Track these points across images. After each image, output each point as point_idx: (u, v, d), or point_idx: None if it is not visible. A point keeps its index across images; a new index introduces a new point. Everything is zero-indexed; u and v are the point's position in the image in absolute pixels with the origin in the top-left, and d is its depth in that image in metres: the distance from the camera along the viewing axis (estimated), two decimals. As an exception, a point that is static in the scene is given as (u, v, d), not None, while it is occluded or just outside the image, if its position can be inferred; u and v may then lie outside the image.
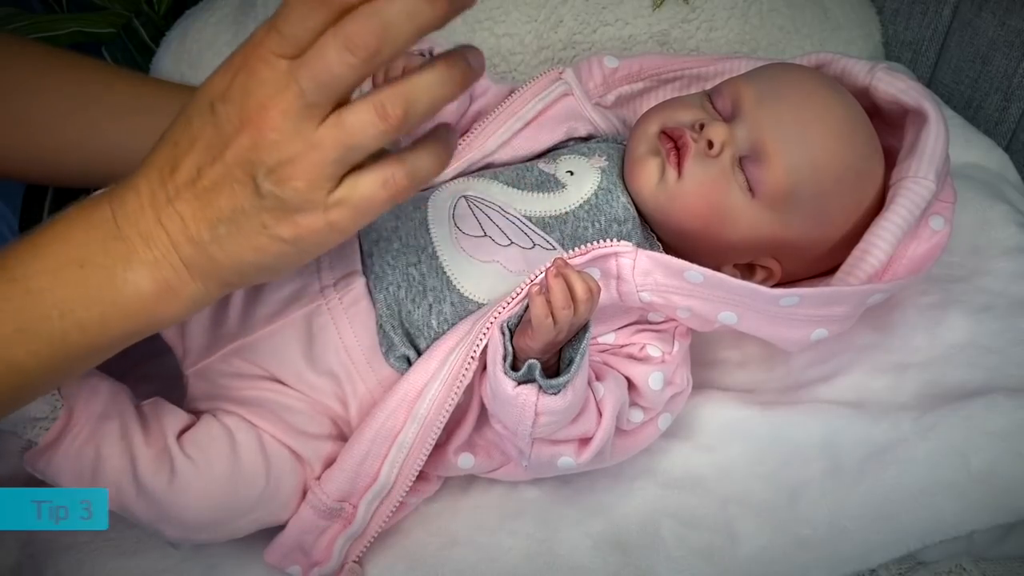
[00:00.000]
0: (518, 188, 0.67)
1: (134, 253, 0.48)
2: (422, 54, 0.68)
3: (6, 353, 0.48)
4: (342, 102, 0.45)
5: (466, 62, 0.47)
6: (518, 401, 0.57)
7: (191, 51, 0.90)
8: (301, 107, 0.44)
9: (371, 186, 0.46)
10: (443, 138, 0.49)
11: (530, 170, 0.68)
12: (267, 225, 0.47)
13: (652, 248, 0.66)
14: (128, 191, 0.49)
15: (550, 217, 0.66)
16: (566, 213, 0.66)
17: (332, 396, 0.64)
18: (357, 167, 0.46)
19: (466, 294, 0.63)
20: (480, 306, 0.63)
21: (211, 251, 0.48)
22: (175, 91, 0.84)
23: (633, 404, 0.64)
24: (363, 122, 0.45)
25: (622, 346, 0.66)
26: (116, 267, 0.48)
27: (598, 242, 0.62)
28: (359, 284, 0.63)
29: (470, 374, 0.60)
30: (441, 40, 0.84)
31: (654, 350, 0.65)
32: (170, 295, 0.49)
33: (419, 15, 0.43)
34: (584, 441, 0.62)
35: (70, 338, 0.48)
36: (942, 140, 0.67)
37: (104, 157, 0.79)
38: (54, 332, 0.48)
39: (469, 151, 0.70)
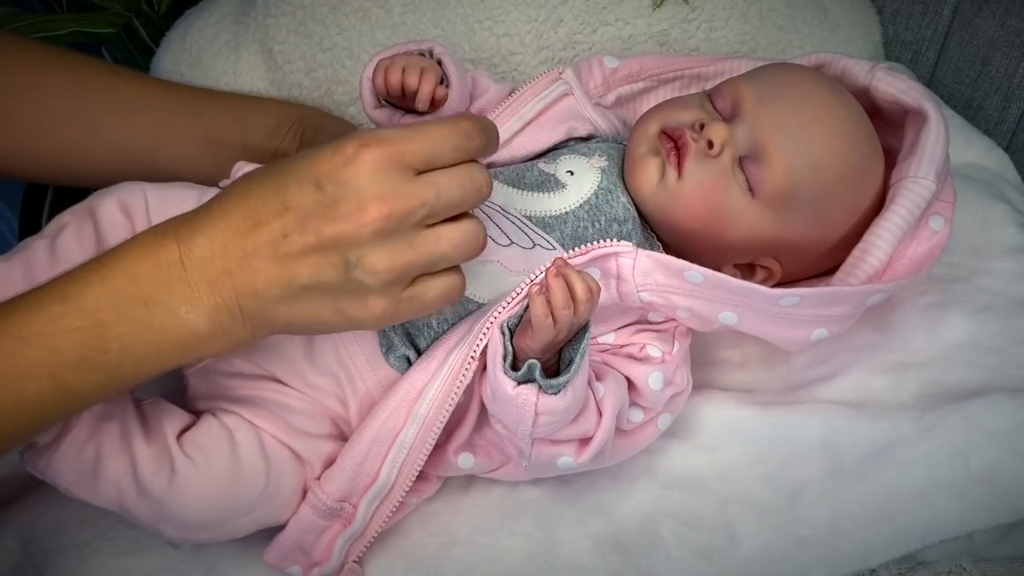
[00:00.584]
0: (518, 188, 0.67)
1: (197, 296, 0.52)
2: (422, 53, 0.68)
3: (65, 379, 0.50)
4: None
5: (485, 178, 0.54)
6: (518, 401, 0.57)
7: (191, 51, 0.90)
8: (422, 218, 0.52)
9: (439, 292, 0.54)
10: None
11: (530, 170, 0.68)
12: (339, 303, 0.53)
13: (652, 248, 0.66)
14: (199, 236, 0.52)
15: (550, 217, 0.66)
16: (566, 213, 0.66)
17: (332, 396, 0.64)
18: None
19: (466, 294, 0.63)
20: (480, 306, 0.63)
21: (272, 307, 0.52)
22: (175, 91, 0.84)
23: (633, 404, 0.64)
24: (463, 247, 0.53)
25: (622, 346, 0.66)
26: (180, 308, 0.51)
27: (598, 242, 0.62)
28: (359, 284, 0.63)
29: (470, 374, 0.60)
30: (440, 39, 0.85)
31: (654, 350, 0.65)
32: (222, 335, 0.53)
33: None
34: (584, 441, 0.62)
35: (124, 369, 0.52)
36: (942, 140, 0.67)
37: (104, 157, 0.79)
38: (111, 363, 0.51)
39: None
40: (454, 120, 0.53)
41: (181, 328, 0.52)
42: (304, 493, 0.63)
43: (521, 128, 0.71)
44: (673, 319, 0.66)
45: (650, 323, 0.67)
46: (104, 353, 0.51)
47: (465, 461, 0.65)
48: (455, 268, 0.55)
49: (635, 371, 0.64)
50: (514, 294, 0.61)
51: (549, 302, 0.55)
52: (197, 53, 0.90)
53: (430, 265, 0.53)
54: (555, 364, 0.59)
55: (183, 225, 0.53)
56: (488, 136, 0.54)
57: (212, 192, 0.69)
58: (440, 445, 0.64)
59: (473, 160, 0.54)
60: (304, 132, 0.83)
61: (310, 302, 0.53)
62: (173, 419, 0.61)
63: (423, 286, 0.54)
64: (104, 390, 0.52)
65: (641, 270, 0.62)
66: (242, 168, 0.73)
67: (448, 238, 0.53)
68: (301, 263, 0.51)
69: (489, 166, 0.71)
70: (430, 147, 0.52)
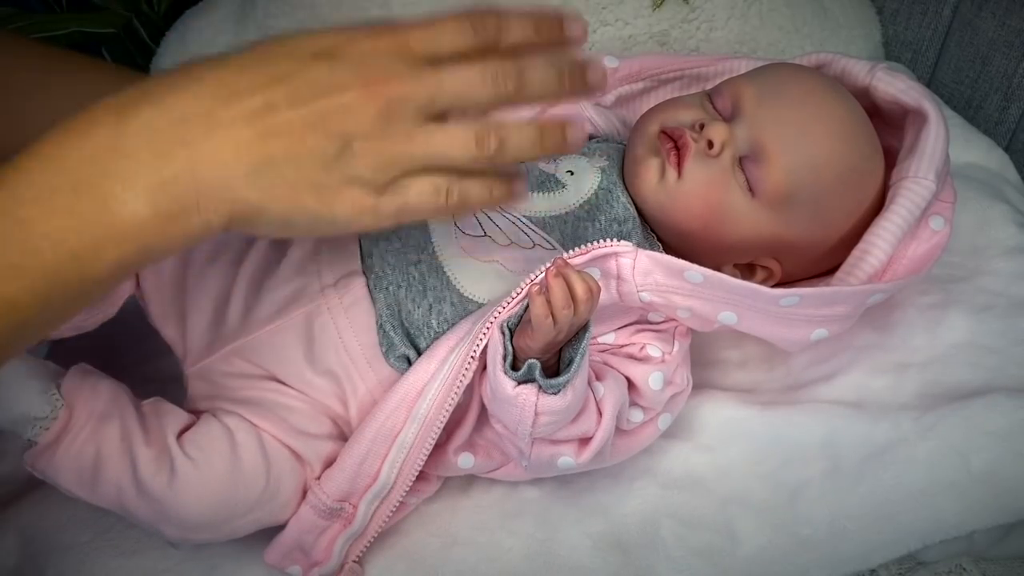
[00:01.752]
0: (518, 188, 0.67)
1: (138, 171, 0.45)
2: None
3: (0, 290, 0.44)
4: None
5: (563, 135, 0.50)
6: (518, 401, 0.57)
7: (191, 51, 0.90)
8: (423, 104, 0.47)
9: (427, 189, 0.49)
10: (505, 178, 0.52)
11: (530, 170, 0.68)
12: (321, 185, 0.47)
13: (652, 248, 0.66)
14: (147, 105, 0.45)
15: (550, 217, 0.66)
16: (566, 213, 0.66)
17: (332, 396, 0.64)
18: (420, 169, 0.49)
19: (466, 294, 0.63)
20: (480, 306, 0.63)
21: (239, 183, 0.46)
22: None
23: (633, 404, 0.64)
24: (460, 140, 0.48)
25: (622, 346, 0.66)
26: (114, 187, 0.44)
27: (598, 242, 0.62)
28: (359, 284, 0.63)
29: (470, 374, 0.60)
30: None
31: (654, 350, 0.65)
32: (168, 222, 0.46)
33: (560, 81, 0.49)
34: (584, 441, 0.62)
35: (63, 270, 0.45)
36: (942, 140, 0.67)
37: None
38: (47, 265, 0.44)
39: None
40: (465, 14, 0.49)
41: (117, 211, 0.44)
42: (304, 493, 0.63)
43: (521, 128, 0.71)
44: (673, 319, 0.66)
45: (650, 323, 0.67)
46: (37, 254, 0.44)
47: (465, 461, 0.65)
48: (451, 172, 0.50)
49: (635, 371, 0.64)
50: (514, 294, 0.61)
51: (549, 302, 0.55)
52: (197, 53, 0.89)
53: (423, 160, 0.48)
54: (555, 364, 0.59)
55: (121, 99, 0.46)
56: (497, 28, 0.49)
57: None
58: (440, 445, 0.64)
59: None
60: None
61: (284, 183, 0.47)
62: (173, 419, 0.61)
63: (408, 179, 0.49)
64: (48, 300, 0.45)
65: (641, 270, 0.62)
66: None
67: (447, 132, 0.48)
68: (284, 136, 0.46)
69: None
70: (437, 36, 0.48)
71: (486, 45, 0.49)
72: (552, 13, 0.50)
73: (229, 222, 0.47)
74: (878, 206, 0.67)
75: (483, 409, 0.63)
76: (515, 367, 0.58)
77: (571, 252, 0.62)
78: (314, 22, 0.87)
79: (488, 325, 0.60)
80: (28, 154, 0.45)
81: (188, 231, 0.46)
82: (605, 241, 0.62)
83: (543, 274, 0.59)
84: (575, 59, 0.50)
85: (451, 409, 0.61)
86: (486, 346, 0.60)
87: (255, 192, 0.46)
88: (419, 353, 0.63)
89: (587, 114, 0.73)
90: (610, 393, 0.61)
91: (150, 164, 0.45)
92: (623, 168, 0.68)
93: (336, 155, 0.47)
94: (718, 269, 0.63)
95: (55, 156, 0.45)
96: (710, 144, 0.64)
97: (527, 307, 0.57)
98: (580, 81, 0.50)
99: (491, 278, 0.64)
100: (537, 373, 0.56)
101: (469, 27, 0.48)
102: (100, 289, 0.47)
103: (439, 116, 0.48)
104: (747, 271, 0.69)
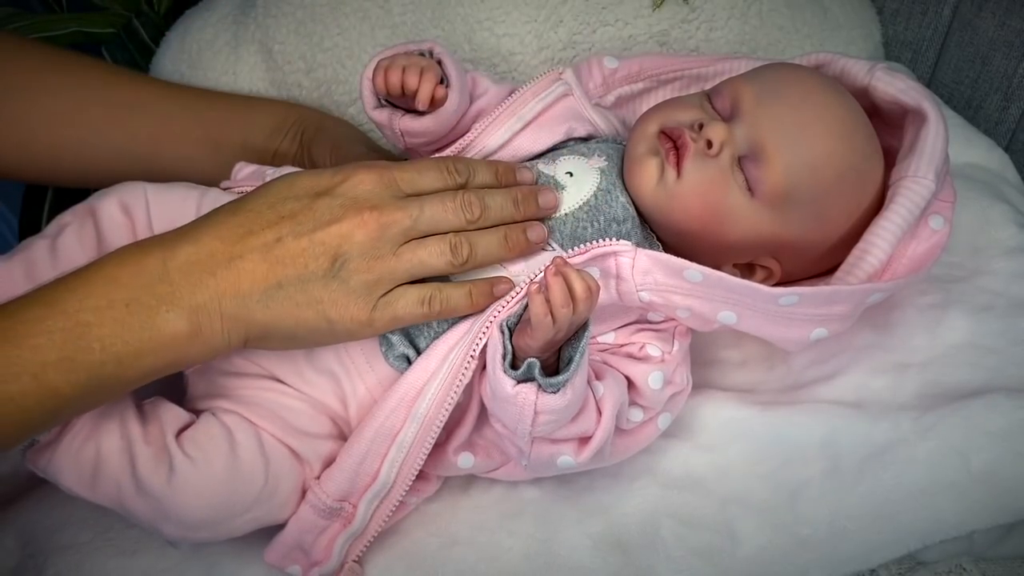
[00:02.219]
0: (518, 189, 0.67)
1: (178, 296, 0.54)
2: (422, 53, 0.68)
3: (49, 379, 0.52)
4: None
5: (525, 236, 0.62)
6: (517, 400, 0.57)
7: (191, 51, 0.90)
8: (407, 227, 0.58)
9: (412, 300, 0.59)
10: (484, 286, 0.61)
11: (530, 171, 0.68)
12: (321, 301, 0.56)
13: (652, 248, 0.66)
14: (184, 243, 0.56)
15: (550, 218, 0.66)
16: (565, 214, 0.66)
17: (332, 395, 0.64)
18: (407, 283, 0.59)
19: (466, 294, 0.63)
20: (479, 305, 0.63)
21: (253, 309, 0.55)
22: (175, 91, 0.84)
23: (633, 403, 0.64)
24: (437, 250, 0.59)
25: (622, 345, 0.66)
26: (160, 307, 0.54)
27: (597, 241, 0.62)
28: (359, 283, 0.63)
29: (469, 373, 0.61)
30: (440, 39, 0.85)
31: (654, 349, 0.65)
32: (199, 339, 0.55)
33: (516, 207, 0.62)
34: (584, 440, 0.62)
35: (106, 369, 0.53)
36: (941, 139, 0.67)
37: (104, 157, 0.79)
38: (93, 362, 0.52)
39: (469, 152, 0.70)
40: (442, 157, 0.63)
41: (160, 328, 0.54)
42: (304, 493, 0.63)
43: (521, 128, 0.71)
44: (673, 319, 0.66)
45: (650, 322, 0.67)
46: (86, 353, 0.52)
47: (465, 461, 0.65)
48: (432, 283, 0.60)
49: (635, 370, 0.64)
50: (514, 293, 0.61)
51: (548, 301, 0.55)
52: (197, 53, 0.90)
53: (409, 272, 0.58)
54: (555, 363, 0.59)
55: (167, 237, 0.57)
56: (467, 172, 0.62)
57: (213, 192, 0.69)
58: (440, 444, 0.64)
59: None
60: (304, 132, 0.83)
61: (293, 303, 0.56)
62: (172, 418, 0.61)
63: (397, 294, 0.58)
64: (86, 392, 0.53)
65: (640, 269, 0.62)
66: (242, 169, 0.73)
67: (426, 245, 0.58)
68: (290, 264, 0.56)
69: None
70: (418, 175, 0.60)
71: (458, 184, 0.61)
72: (509, 166, 0.65)
73: (246, 341, 0.57)
74: (878, 206, 0.67)
75: (483, 408, 0.63)
76: (515, 366, 0.58)
77: (570, 252, 0.62)
78: (313, 22, 0.87)
79: (488, 324, 0.60)
80: (90, 269, 0.55)
81: (212, 347, 0.56)
82: (604, 241, 0.62)
83: (543, 273, 0.59)
84: (528, 190, 0.63)
85: (451, 408, 0.61)
86: (485, 345, 0.60)
87: (265, 313, 0.56)
88: (418, 352, 0.63)
89: (587, 115, 0.73)
90: (609, 392, 0.61)
91: (187, 291, 0.55)
92: (622, 168, 0.68)
93: (334, 273, 0.56)
94: (718, 269, 0.63)
95: (114, 276, 0.54)
96: (709, 144, 0.64)
97: (526, 306, 0.57)
98: (533, 206, 0.63)
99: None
100: (536, 372, 0.56)
101: (445, 168, 0.61)
102: (125, 390, 0.56)
103: (420, 238, 0.59)
104: (747, 271, 0.69)
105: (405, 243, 0.58)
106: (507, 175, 0.64)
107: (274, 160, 0.81)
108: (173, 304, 0.54)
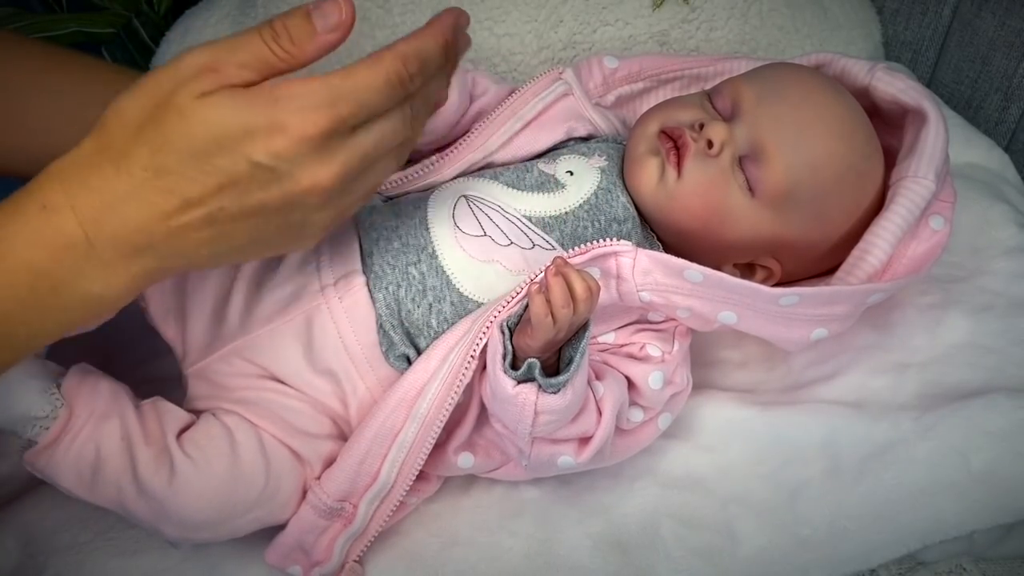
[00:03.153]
0: (518, 188, 0.67)
1: (113, 270, 0.50)
2: None
3: None
4: None
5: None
6: (518, 400, 0.57)
7: (191, 51, 0.90)
8: (362, 164, 0.51)
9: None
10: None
11: (530, 170, 0.68)
12: (274, 246, 0.53)
13: (652, 248, 0.66)
14: (109, 215, 0.50)
15: (550, 217, 0.66)
16: (566, 213, 0.66)
17: (332, 395, 0.64)
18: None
19: (466, 293, 0.63)
20: (480, 305, 0.63)
21: (200, 261, 0.52)
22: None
23: (633, 403, 0.64)
24: (392, 169, 0.54)
25: (622, 345, 0.66)
26: (92, 287, 0.50)
27: (598, 241, 0.62)
28: (359, 283, 0.63)
29: (470, 373, 0.61)
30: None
31: (654, 349, 0.65)
32: (133, 294, 0.52)
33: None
34: (584, 440, 0.62)
35: (35, 342, 0.51)
36: (942, 140, 0.67)
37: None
38: (17, 342, 0.50)
39: (470, 151, 0.70)
40: (384, 68, 0.49)
41: (93, 301, 0.50)
42: (304, 493, 0.63)
43: (521, 128, 0.71)
44: (673, 319, 0.66)
45: (650, 323, 0.67)
46: (9, 337, 0.50)
47: (465, 461, 0.65)
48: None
49: (635, 370, 0.64)
50: (514, 293, 0.61)
51: (549, 301, 0.55)
52: (197, 53, 0.90)
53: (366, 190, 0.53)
54: (555, 363, 0.59)
55: (78, 195, 0.50)
56: (420, 79, 0.51)
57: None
58: (440, 445, 0.64)
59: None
60: None
61: (252, 252, 0.53)
62: (173, 419, 0.61)
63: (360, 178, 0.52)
64: (13, 362, 0.52)
65: (641, 269, 0.62)
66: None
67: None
68: (240, 225, 0.50)
69: (489, 167, 0.71)
70: (365, 105, 0.50)
71: (408, 95, 0.51)
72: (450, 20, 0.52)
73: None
74: (878, 206, 0.67)
75: (483, 409, 0.63)
76: (515, 366, 0.58)
77: (571, 252, 0.62)
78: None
79: (488, 324, 0.60)
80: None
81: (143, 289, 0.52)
82: (605, 241, 0.62)
83: (543, 273, 0.59)
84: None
85: (451, 408, 0.61)
86: (486, 345, 0.60)
87: (211, 258, 0.52)
88: (419, 352, 0.63)
89: (587, 114, 0.73)
90: (610, 392, 0.61)
91: (123, 264, 0.50)
92: (623, 168, 0.68)
93: (288, 227, 0.51)
94: (718, 269, 0.63)
95: (29, 263, 0.49)
96: (710, 144, 0.64)
97: (527, 306, 0.57)
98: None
99: (491, 278, 0.64)
100: (537, 372, 0.56)
101: (398, 83, 0.50)
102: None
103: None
104: (747, 271, 0.69)
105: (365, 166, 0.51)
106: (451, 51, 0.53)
107: None
108: (109, 281, 0.50)
